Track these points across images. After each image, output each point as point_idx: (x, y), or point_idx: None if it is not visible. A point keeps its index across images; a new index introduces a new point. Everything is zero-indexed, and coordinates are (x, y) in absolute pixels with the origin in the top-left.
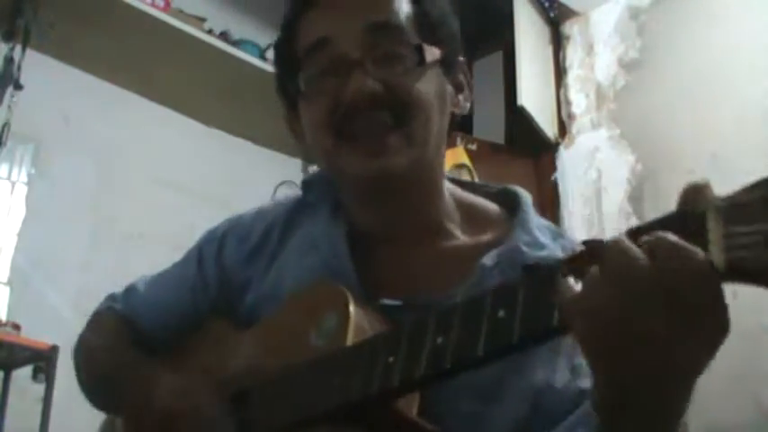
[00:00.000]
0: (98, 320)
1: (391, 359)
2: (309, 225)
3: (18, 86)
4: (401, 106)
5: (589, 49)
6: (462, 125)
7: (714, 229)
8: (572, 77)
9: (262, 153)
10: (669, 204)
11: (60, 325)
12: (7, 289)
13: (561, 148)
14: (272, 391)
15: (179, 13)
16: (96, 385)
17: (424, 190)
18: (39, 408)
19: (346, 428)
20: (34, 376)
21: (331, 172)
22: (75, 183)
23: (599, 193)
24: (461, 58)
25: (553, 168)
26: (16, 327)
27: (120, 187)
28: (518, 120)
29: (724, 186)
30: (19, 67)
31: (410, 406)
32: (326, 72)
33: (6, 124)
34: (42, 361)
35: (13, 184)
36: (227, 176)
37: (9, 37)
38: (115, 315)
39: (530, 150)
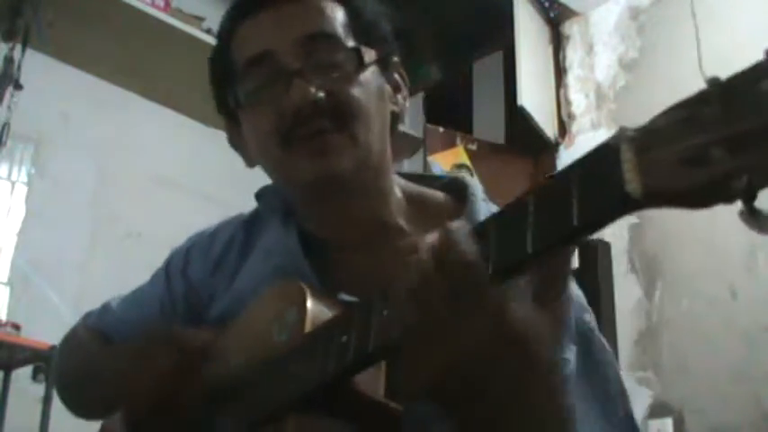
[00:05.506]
0: (74, 334)
1: (344, 338)
2: (265, 235)
3: (18, 86)
4: (342, 112)
5: (589, 49)
6: (462, 125)
7: (628, 159)
8: (572, 77)
9: None
10: None
11: (60, 325)
12: (7, 289)
13: (561, 148)
14: (238, 390)
15: (178, 13)
16: (77, 380)
17: (370, 191)
18: (39, 408)
19: (314, 416)
20: (34, 376)
21: (279, 179)
22: (75, 182)
23: None
24: (396, 59)
25: (553, 168)
26: (16, 327)
27: (120, 187)
28: (518, 120)
29: None
30: (19, 67)
31: (376, 388)
32: (267, 84)
33: (6, 124)
34: (42, 361)
35: (13, 184)
36: (227, 176)
37: (9, 37)
38: (90, 329)
39: (530, 150)
